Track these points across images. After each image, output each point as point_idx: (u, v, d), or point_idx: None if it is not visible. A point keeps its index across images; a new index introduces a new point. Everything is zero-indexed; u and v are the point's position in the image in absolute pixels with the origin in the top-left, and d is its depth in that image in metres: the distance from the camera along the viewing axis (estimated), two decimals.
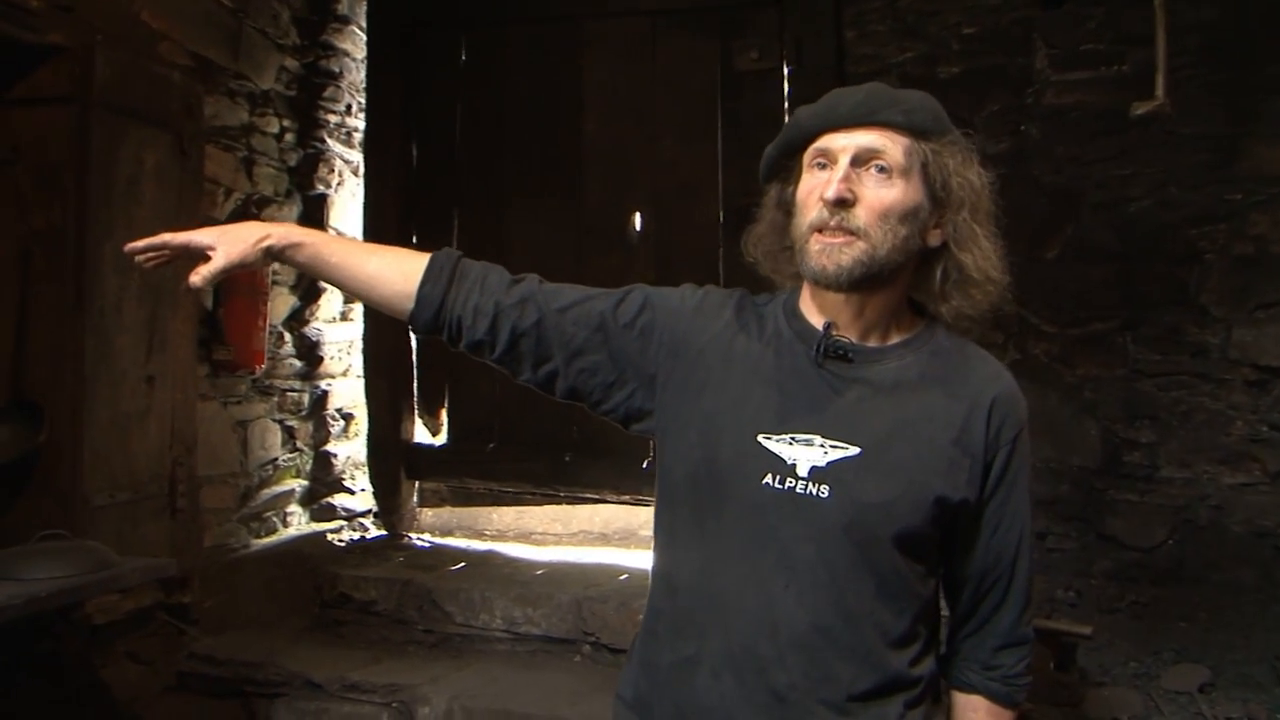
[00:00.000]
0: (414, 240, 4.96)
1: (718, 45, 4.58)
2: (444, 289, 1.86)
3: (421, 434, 4.98)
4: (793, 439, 1.69)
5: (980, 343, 4.17)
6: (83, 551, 2.98)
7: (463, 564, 4.36)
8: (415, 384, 4.97)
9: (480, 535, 4.88)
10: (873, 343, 1.76)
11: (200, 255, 1.86)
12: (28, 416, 3.25)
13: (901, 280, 1.75)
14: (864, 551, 1.65)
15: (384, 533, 4.91)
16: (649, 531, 4.86)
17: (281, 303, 4.68)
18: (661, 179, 4.63)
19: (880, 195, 1.67)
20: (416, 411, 4.97)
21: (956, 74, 4.40)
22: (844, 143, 1.69)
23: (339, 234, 4.94)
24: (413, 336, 4.93)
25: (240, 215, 4.31)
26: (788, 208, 1.81)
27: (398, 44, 5.05)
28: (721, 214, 4.51)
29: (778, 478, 1.68)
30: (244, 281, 4.18)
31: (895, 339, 1.78)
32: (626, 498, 4.62)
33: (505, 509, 4.88)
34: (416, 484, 5.00)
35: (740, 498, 1.70)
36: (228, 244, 1.84)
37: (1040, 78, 4.31)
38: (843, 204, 1.66)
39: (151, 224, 3.50)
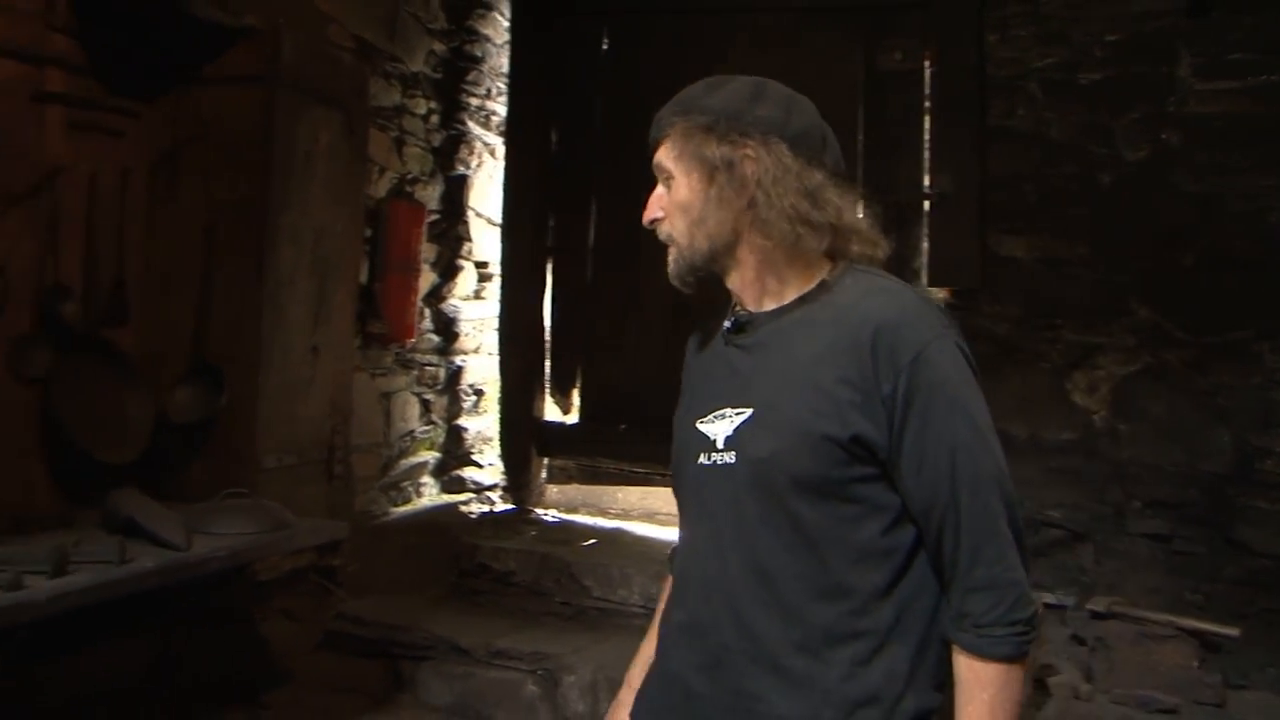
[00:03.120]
0: (551, 224, 5.08)
1: (862, 44, 4.64)
2: None
3: (552, 412, 5.10)
4: (715, 416, 1.75)
5: (1112, 347, 4.25)
6: (265, 510, 3.14)
7: (593, 540, 4.48)
8: (549, 363, 5.09)
9: (605, 513, 4.99)
10: (769, 305, 1.79)
11: None
12: (208, 380, 3.42)
13: (749, 248, 1.76)
14: (767, 507, 1.67)
15: (511, 507, 5.04)
16: None
17: (423, 279, 4.82)
18: None
19: (670, 201, 1.78)
20: (548, 390, 5.09)
21: (1098, 80, 4.42)
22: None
23: (478, 218, 5.08)
24: (547, 317, 5.06)
25: (394, 193, 4.45)
26: None
27: (539, 30, 5.16)
28: (860, 212, 4.56)
29: (708, 455, 1.75)
30: (399, 257, 4.33)
31: (793, 295, 1.78)
32: None
33: (631, 489, 5.00)
34: (545, 461, 5.13)
35: (688, 480, 1.81)
36: None
37: (1183, 86, 4.31)
38: (655, 223, 1.80)
39: (322, 200, 3.68)
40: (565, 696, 3.61)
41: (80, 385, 3.27)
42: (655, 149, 1.80)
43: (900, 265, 4.65)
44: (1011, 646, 1.62)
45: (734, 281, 1.79)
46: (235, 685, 3.57)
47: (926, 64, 4.58)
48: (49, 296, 3.19)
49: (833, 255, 1.76)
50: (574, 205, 5.07)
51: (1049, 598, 4.01)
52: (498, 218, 5.24)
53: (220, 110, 3.46)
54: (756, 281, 1.77)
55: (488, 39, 5.28)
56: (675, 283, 1.79)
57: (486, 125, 5.30)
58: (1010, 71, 4.51)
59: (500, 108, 5.34)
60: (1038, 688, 3.57)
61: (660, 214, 1.78)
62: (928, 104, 4.62)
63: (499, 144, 5.31)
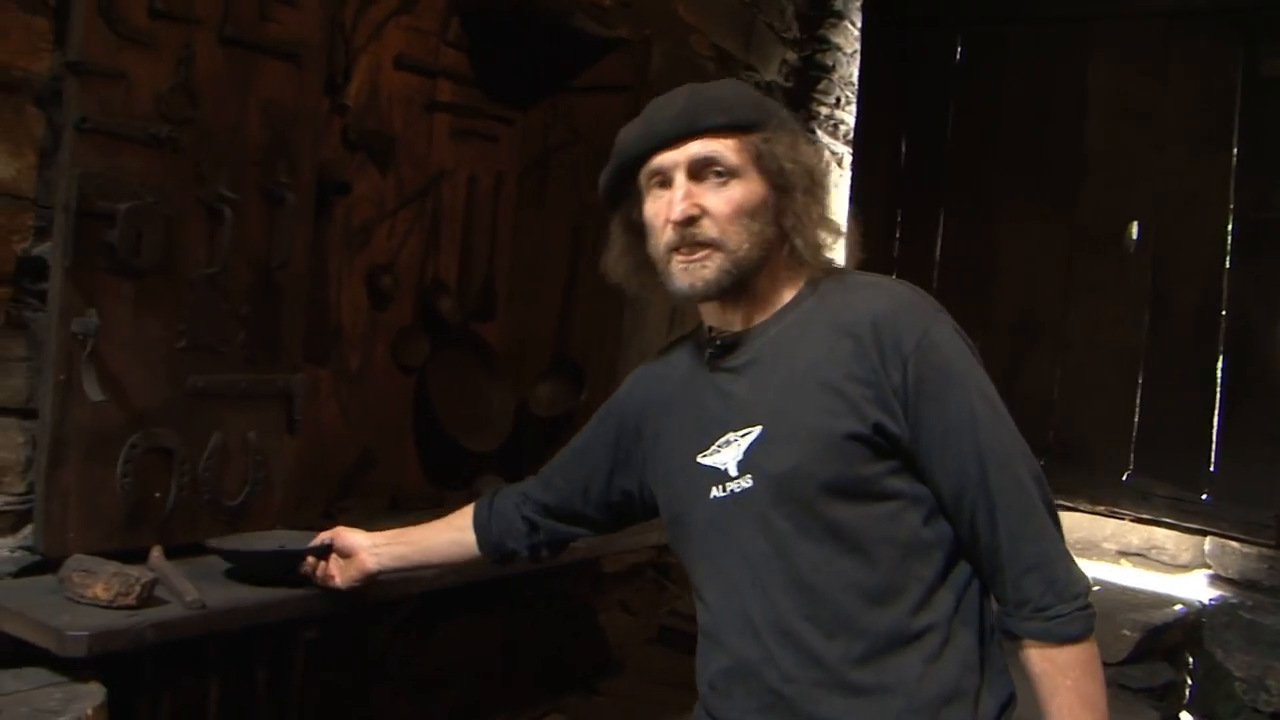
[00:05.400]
0: (897, 237, 5.05)
1: (1240, 49, 4.40)
2: (492, 537, 2.07)
3: None
4: (719, 445, 1.68)
5: None
6: None
7: None
8: None
9: None
10: (757, 320, 1.72)
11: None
12: (569, 376, 3.58)
13: (770, 264, 1.69)
14: (802, 520, 1.59)
15: None
16: (1112, 545, 4.75)
17: None
18: (1164, 187, 4.51)
19: (725, 199, 1.64)
20: None
21: None
22: (675, 158, 1.66)
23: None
24: None
25: None
26: (638, 229, 1.77)
27: (890, 40, 5.13)
28: (1231, 227, 4.33)
29: (720, 486, 1.67)
30: None
31: (778, 306, 1.72)
32: (1101, 508, 4.53)
33: None
34: None
35: (701, 519, 1.71)
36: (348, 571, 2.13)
37: None
38: (690, 221, 1.63)
39: None
40: None
41: (451, 376, 3.49)
42: (686, 137, 1.66)
43: (1275, 290, 4.38)
44: (1083, 623, 1.55)
45: (737, 298, 1.70)
46: (573, 670, 3.72)
47: None
48: (429, 291, 3.42)
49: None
50: (921, 217, 5.03)
51: None
52: (844, 226, 5.22)
53: (590, 117, 3.60)
54: (760, 295, 1.71)
55: (838, 48, 5.28)
56: (708, 290, 1.66)
57: (834, 134, 5.30)
58: None
59: (849, 117, 5.33)
60: None
61: (697, 211, 1.64)
62: None
63: (846, 153, 5.30)
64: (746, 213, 1.65)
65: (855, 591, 1.59)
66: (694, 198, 1.65)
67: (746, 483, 1.65)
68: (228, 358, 2.42)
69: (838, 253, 1.78)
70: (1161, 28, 4.54)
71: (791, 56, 5.01)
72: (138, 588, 1.99)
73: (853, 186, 5.17)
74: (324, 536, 2.14)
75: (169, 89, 2.26)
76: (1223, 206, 4.36)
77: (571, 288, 3.60)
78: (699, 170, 1.66)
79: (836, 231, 1.74)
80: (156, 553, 2.21)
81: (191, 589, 2.07)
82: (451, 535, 2.11)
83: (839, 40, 5.27)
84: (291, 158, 2.52)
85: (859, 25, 5.33)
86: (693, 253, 1.65)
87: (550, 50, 3.55)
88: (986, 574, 1.63)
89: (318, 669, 2.51)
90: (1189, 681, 4.04)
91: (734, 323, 1.74)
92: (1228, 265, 4.34)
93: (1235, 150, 4.36)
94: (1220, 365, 4.37)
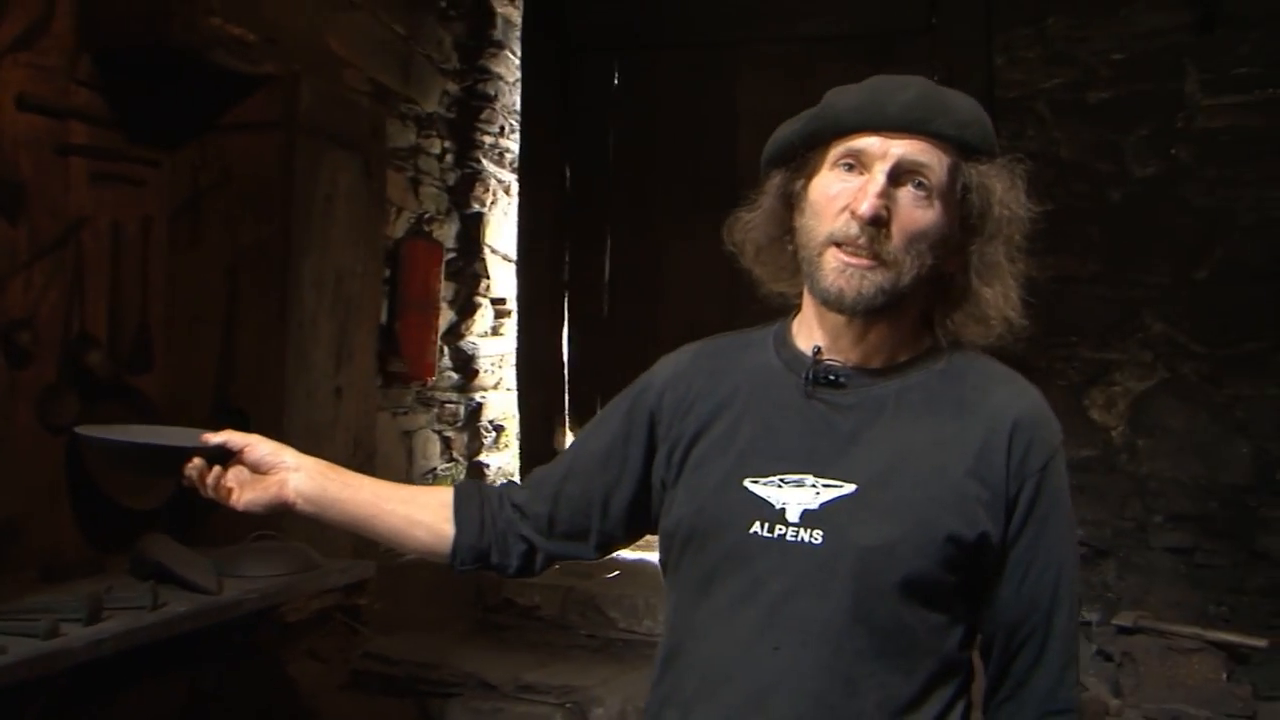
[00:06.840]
0: (567, 259, 5.15)
1: (872, 70, 4.69)
2: (480, 545, 1.72)
3: None
4: (782, 480, 1.48)
5: (1128, 362, 4.27)
6: (293, 551, 3.18)
7: (616, 572, 4.50)
8: (567, 397, 5.14)
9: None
10: (875, 363, 1.54)
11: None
12: (233, 424, 3.43)
13: (912, 303, 1.51)
14: (863, 603, 1.42)
15: None
16: None
17: (441, 318, 4.87)
18: None
19: (915, 218, 1.45)
20: (568, 424, 5.14)
21: (1106, 99, 4.47)
22: (887, 148, 1.44)
23: (492, 250, 5.14)
24: (565, 351, 5.12)
25: (412, 233, 4.51)
26: (793, 202, 1.56)
27: (550, 68, 5.23)
28: None
29: (766, 525, 1.47)
30: (417, 296, 4.38)
31: (901, 358, 1.54)
32: None
33: None
34: None
35: (726, 550, 1.50)
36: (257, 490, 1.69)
37: (1191, 102, 4.37)
38: (876, 223, 1.42)
39: (343, 241, 3.72)
40: None
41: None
42: (910, 131, 1.44)
43: None
44: None
45: (866, 328, 1.51)
46: None
47: None
48: (75, 346, 3.23)
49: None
50: (589, 239, 5.14)
51: None
52: (514, 254, 5.30)
53: (241, 156, 3.50)
54: (883, 338, 1.53)
55: (500, 77, 5.34)
56: (857, 301, 1.45)
57: (500, 162, 5.36)
58: (1018, 93, 4.58)
59: (514, 145, 5.41)
60: None
61: (885, 215, 1.43)
62: None
63: (513, 181, 5.38)
64: (929, 241, 1.46)
65: (885, 695, 1.42)
66: (886, 199, 1.43)
67: (812, 538, 1.44)
68: None
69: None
70: (802, 50, 4.82)
71: (453, 87, 5.03)
72: None
73: (520, 213, 5.24)
74: (227, 439, 1.70)
75: None
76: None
77: (230, 333, 3.47)
78: (901, 173, 1.45)
79: (1006, 306, 1.52)
80: None
81: None
82: (416, 515, 1.72)
83: (500, 70, 5.34)
84: None
85: (519, 54, 5.41)
86: (858, 257, 1.44)
87: (193, 88, 3.42)
88: (997, 700, 1.54)
89: None
90: None
91: (847, 353, 1.53)
92: None
93: None
94: None
